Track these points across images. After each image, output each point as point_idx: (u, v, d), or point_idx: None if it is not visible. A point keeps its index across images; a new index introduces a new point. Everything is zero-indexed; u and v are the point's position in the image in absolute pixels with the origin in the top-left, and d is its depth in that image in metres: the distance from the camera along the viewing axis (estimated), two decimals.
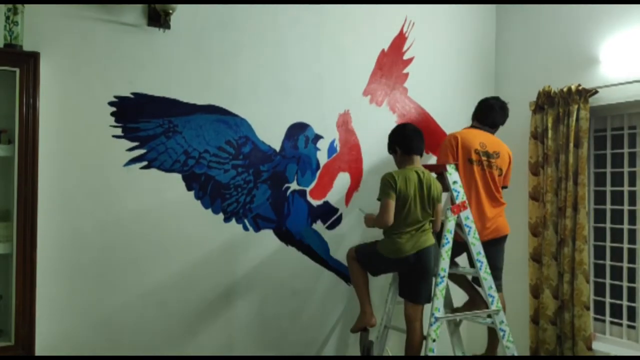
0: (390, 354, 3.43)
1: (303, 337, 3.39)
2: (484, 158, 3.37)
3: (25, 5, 2.51)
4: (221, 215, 3.10)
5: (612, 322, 3.58)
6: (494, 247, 3.41)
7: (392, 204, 2.98)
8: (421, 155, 3.20)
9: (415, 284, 3.11)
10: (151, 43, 2.90)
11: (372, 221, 3.14)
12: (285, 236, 3.31)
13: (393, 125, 3.67)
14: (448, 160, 3.32)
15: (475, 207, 3.34)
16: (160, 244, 2.94)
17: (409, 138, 3.16)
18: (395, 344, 3.59)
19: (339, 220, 3.49)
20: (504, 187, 3.51)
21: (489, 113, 3.51)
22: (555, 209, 3.60)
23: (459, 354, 3.53)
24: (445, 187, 3.21)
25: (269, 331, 3.27)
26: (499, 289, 3.43)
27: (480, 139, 3.41)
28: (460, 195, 3.19)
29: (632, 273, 3.47)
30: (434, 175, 3.23)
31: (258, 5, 3.20)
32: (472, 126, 3.55)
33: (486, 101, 3.56)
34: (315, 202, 3.40)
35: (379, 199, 3.05)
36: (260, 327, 3.24)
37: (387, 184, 3.02)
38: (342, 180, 3.51)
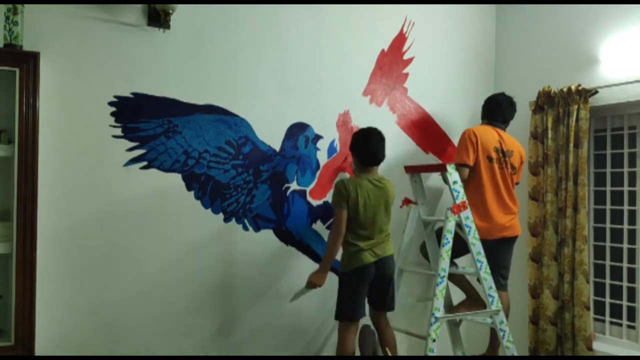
0: (390, 354, 3.43)
1: (303, 337, 3.39)
2: (501, 156, 3.41)
3: (25, 5, 2.51)
4: (221, 215, 3.10)
5: (612, 322, 3.58)
6: (507, 245, 3.46)
7: (344, 214, 2.96)
8: (379, 164, 3.13)
9: (380, 292, 3.10)
10: (151, 43, 2.90)
11: (328, 248, 3.03)
12: (285, 236, 3.31)
13: (393, 125, 3.69)
14: (468, 155, 3.33)
15: (497, 203, 3.37)
16: (160, 244, 2.94)
17: (372, 152, 3.08)
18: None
19: None
20: (516, 183, 3.54)
21: (498, 110, 3.54)
22: (555, 209, 3.60)
23: (458, 354, 3.53)
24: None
25: (268, 331, 3.27)
26: (505, 287, 3.45)
27: (497, 137, 3.44)
28: (461, 195, 3.19)
29: (631, 273, 3.47)
30: (382, 183, 3.11)
31: (258, 5, 3.20)
32: (484, 124, 3.57)
33: (493, 98, 3.59)
34: (315, 202, 3.40)
35: (332, 207, 3.05)
36: (260, 327, 3.24)
37: (339, 195, 2.98)
38: None
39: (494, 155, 3.39)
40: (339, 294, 3.07)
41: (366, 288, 3.05)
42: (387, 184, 3.11)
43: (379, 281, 3.07)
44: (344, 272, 3.06)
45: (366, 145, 3.07)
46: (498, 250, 3.38)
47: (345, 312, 3.04)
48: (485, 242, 3.26)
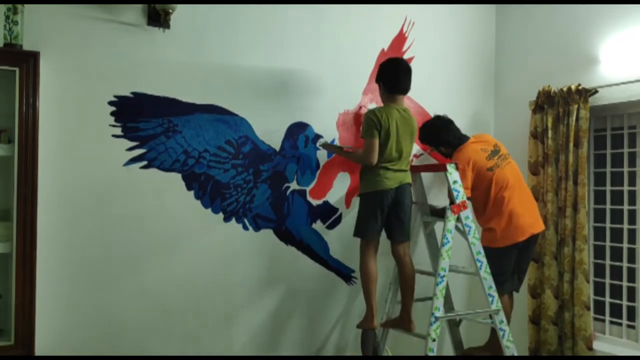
0: (390, 354, 3.43)
1: (303, 337, 3.39)
2: (494, 157, 3.40)
3: (25, 5, 2.51)
4: (221, 215, 3.10)
5: (611, 322, 3.58)
6: (532, 244, 3.45)
7: (377, 143, 3.02)
8: (405, 93, 3.20)
9: (397, 221, 3.15)
10: (151, 43, 2.90)
11: (353, 156, 3.24)
12: (285, 236, 3.31)
13: None
14: (467, 182, 3.33)
15: (519, 201, 3.36)
16: (160, 243, 2.94)
17: (397, 79, 3.15)
18: (395, 344, 3.59)
19: (338, 220, 3.49)
20: None
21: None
22: (555, 209, 3.60)
23: (459, 354, 3.53)
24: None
25: (268, 331, 3.27)
26: (518, 289, 3.50)
27: (479, 145, 3.44)
28: (460, 195, 3.19)
29: (631, 273, 3.47)
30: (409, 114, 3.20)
31: (258, 5, 3.20)
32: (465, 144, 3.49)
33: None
34: (315, 202, 3.40)
35: (362, 137, 3.10)
36: (260, 326, 3.24)
37: (371, 122, 3.04)
38: (342, 180, 3.51)
39: (489, 164, 3.38)
40: (358, 213, 3.18)
41: (385, 212, 3.11)
42: (412, 114, 3.20)
43: (398, 207, 3.13)
44: (365, 192, 3.13)
45: (395, 73, 3.15)
46: (526, 250, 3.41)
47: (361, 229, 3.14)
48: (516, 245, 3.31)
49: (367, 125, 3.06)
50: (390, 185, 3.08)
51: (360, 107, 3.54)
